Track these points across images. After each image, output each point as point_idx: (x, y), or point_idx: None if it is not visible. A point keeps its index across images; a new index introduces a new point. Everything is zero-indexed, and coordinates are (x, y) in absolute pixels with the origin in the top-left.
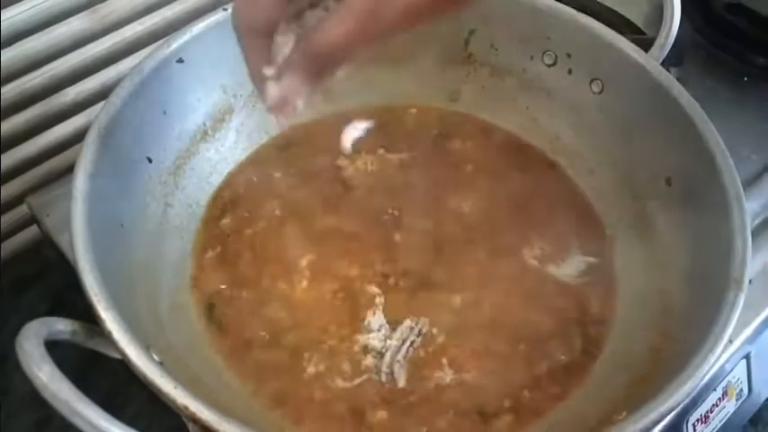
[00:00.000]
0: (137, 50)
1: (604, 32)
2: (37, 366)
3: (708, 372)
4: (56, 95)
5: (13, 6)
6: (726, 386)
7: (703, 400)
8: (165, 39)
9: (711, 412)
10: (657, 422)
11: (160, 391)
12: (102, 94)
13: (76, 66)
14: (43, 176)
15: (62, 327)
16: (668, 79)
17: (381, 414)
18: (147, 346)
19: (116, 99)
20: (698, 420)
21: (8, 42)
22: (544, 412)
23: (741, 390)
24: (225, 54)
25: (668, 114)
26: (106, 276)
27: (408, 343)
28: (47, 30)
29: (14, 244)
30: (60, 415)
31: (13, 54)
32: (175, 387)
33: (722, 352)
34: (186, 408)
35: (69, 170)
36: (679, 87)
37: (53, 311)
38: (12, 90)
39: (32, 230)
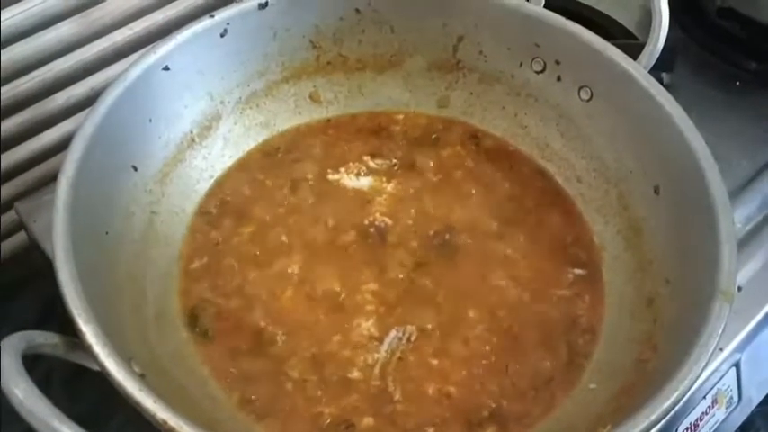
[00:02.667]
0: (126, 56)
1: (593, 40)
2: (13, 382)
3: (693, 384)
4: (45, 101)
5: (3, 11)
6: (716, 394)
7: (693, 408)
8: (150, 46)
9: (701, 420)
10: None
11: (139, 404)
12: (92, 100)
13: (66, 71)
14: (32, 182)
15: (42, 340)
16: (657, 88)
17: (368, 421)
18: (129, 359)
19: (101, 107)
20: (687, 429)
21: None
22: (532, 423)
23: (731, 398)
24: (212, 61)
25: (656, 123)
26: (89, 286)
27: (395, 352)
28: (36, 35)
29: (4, 249)
30: None
31: (2, 59)
32: (155, 401)
33: (709, 362)
34: (165, 422)
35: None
36: (667, 96)
37: (43, 319)
38: (1, 95)
39: (22, 236)
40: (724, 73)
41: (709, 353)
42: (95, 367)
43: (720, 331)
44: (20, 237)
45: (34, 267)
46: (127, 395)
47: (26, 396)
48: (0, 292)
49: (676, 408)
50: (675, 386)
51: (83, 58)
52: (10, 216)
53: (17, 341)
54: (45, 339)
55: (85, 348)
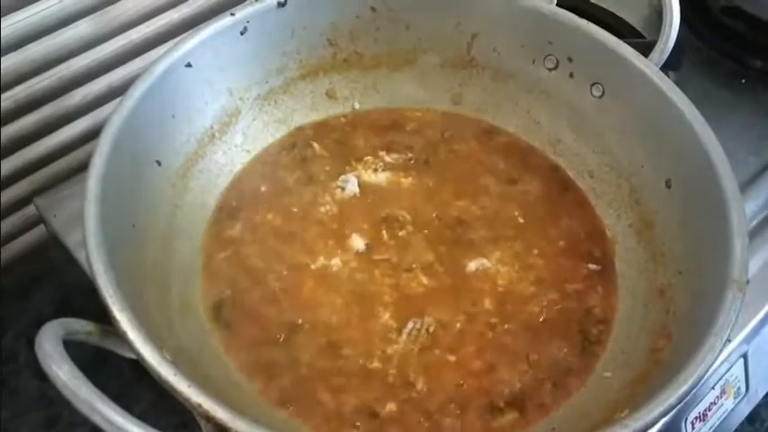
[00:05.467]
0: (143, 53)
1: (605, 37)
2: (57, 365)
3: (708, 371)
4: (63, 97)
5: (22, 10)
6: (724, 384)
7: (701, 399)
8: (173, 42)
9: (709, 410)
10: (658, 420)
11: (174, 389)
12: (109, 96)
13: (84, 68)
14: (50, 177)
15: (78, 327)
16: (668, 84)
17: (390, 407)
18: (159, 347)
19: (128, 101)
20: (696, 418)
21: (17, 45)
22: (548, 410)
23: (739, 388)
24: (232, 58)
25: (668, 118)
26: (119, 277)
27: (414, 342)
28: (55, 33)
29: (21, 245)
30: (67, 414)
31: (21, 57)
32: (189, 386)
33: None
34: (200, 406)
35: (76, 171)
36: (678, 92)
37: (60, 313)
38: (20, 92)
39: (39, 231)
40: (729, 71)
41: (724, 340)
42: (128, 354)
43: (734, 319)
44: (35, 233)
45: (51, 262)
46: (162, 380)
47: (70, 378)
48: (17, 287)
49: (688, 396)
50: (691, 372)
51: (100, 55)
52: (27, 212)
53: (56, 327)
54: (80, 327)
55: (120, 335)
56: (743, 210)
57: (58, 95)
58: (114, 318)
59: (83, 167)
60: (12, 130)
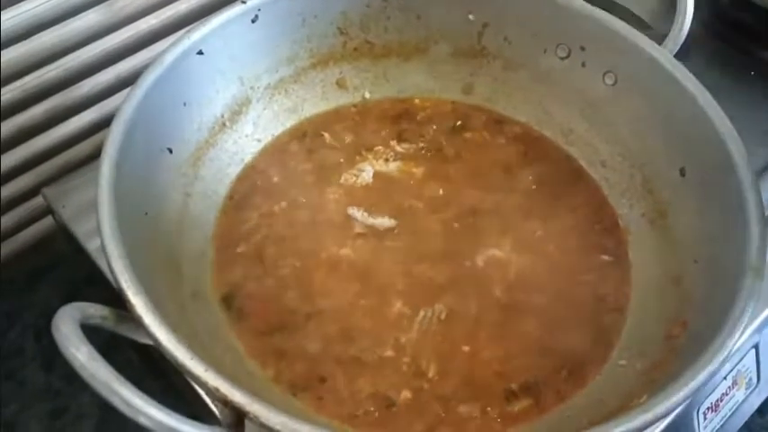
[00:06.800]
0: (151, 44)
1: (618, 26)
2: (75, 347)
3: (727, 356)
4: (71, 88)
5: (29, 0)
6: (736, 375)
7: (714, 389)
8: (185, 30)
9: (722, 401)
10: (678, 405)
11: (191, 373)
12: (117, 87)
13: (92, 59)
14: (58, 168)
15: (93, 311)
16: (682, 71)
17: (406, 394)
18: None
19: (139, 90)
20: (708, 409)
21: (24, 36)
22: (564, 398)
23: (750, 379)
24: (243, 46)
25: (682, 106)
26: (133, 263)
27: (426, 330)
28: (63, 23)
29: (29, 236)
30: (74, 406)
31: (29, 47)
32: (206, 369)
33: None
34: (218, 390)
35: (85, 161)
36: (693, 80)
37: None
38: (28, 83)
39: (46, 222)
40: (738, 63)
41: (743, 326)
42: (144, 339)
43: (752, 306)
44: (42, 225)
45: (58, 254)
46: (179, 364)
47: (88, 360)
48: (23, 280)
49: (707, 383)
50: (710, 357)
51: (108, 46)
52: (34, 203)
53: (73, 310)
54: (95, 311)
55: (135, 320)
56: (760, 196)
57: (65, 86)
58: (129, 302)
59: (91, 158)
60: (20, 120)
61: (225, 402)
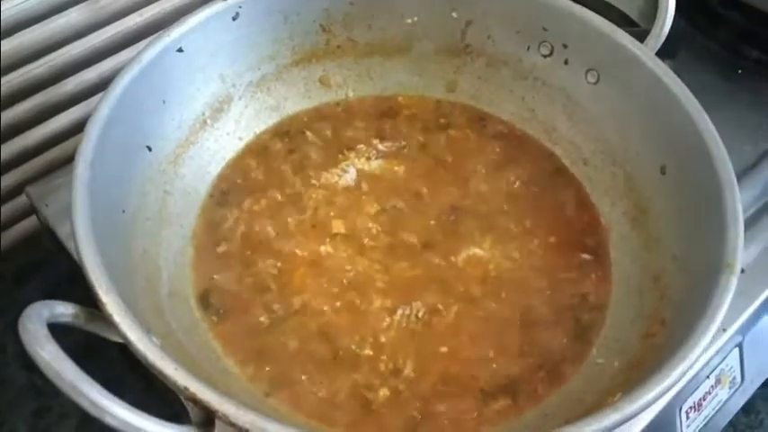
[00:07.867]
0: (136, 42)
1: (601, 23)
2: (40, 346)
3: (701, 354)
4: (55, 86)
5: None
6: (719, 374)
7: (696, 388)
8: (164, 29)
9: (704, 400)
10: (651, 403)
11: (161, 372)
12: (101, 85)
13: (76, 57)
14: (43, 167)
15: (63, 309)
16: (663, 69)
17: (384, 392)
18: (147, 330)
19: (117, 87)
20: (691, 408)
21: (8, 33)
22: (542, 397)
23: (734, 378)
24: (224, 44)
25: (663, 104)
26: (107, 262)
27: (405, 329)
28: (46, 20)
29: (14, 234)
30: (58, 405)
31: (12, 44)
32: (176, 369)
33: (713, 342)
34: (186, 389)
35: (69, 160)
36: (674, 78)
37: None
38: (11, 80)
39: (32, 221)
40: (726, 61)
41: (717, 324)
42: (115, 338)
43: (727, 304)
44: (27, 223)
45: (42, 253)
46: (148, 363)
47: (53, 359)
48: (8, 278)
49: (683, 381)
50: (684, 355)
51: (92, 44)
52: (19, 201)
53: (40, 308)
54: (65, 309)
55: (106, 318)
56: (737, 194)
57: (50, 84)
58: (100, 300)
59: None
60: (3, 118)
61: (194, 401)
